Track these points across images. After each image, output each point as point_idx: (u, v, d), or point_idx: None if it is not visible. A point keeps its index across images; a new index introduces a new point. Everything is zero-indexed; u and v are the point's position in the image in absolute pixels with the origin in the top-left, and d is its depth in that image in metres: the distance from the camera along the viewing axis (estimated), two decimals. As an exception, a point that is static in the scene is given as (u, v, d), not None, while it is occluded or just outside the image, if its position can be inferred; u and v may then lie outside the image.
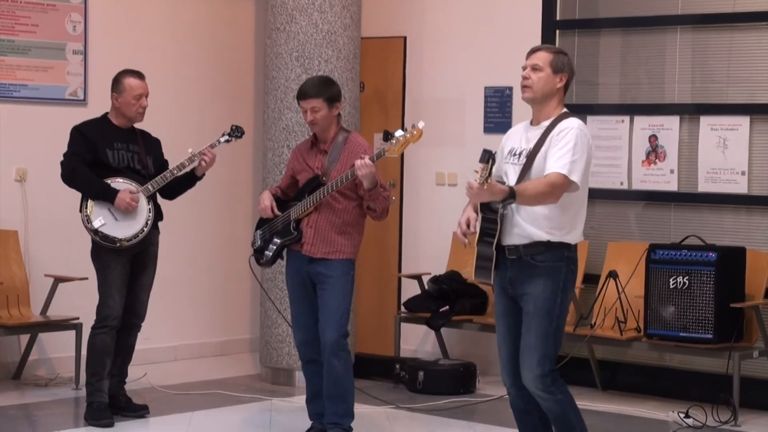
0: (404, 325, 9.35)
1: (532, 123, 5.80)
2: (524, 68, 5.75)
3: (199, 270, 9.98)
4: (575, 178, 5.52)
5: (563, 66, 5.73)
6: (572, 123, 5.63)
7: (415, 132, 6.58)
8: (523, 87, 5.74)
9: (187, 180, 7.76)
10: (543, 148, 5.61)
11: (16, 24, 8.79)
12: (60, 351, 8.90)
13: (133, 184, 7.50)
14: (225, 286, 10.08)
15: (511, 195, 5.41)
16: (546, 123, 5.69)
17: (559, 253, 5.64)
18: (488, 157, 5.34)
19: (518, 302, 5.73)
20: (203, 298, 10.02)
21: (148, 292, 7.75)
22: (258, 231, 7.25)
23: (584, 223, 5.81)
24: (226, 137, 7.81)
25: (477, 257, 5.77)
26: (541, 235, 5.62)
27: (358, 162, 6.72)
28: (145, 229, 7.48)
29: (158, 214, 7.66)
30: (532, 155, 5.63)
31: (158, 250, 7.77)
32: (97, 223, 7.39)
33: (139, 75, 7.59)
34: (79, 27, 9.09)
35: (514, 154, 5.74)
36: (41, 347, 8.96)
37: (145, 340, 9.33)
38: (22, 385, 8.65)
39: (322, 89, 6.98)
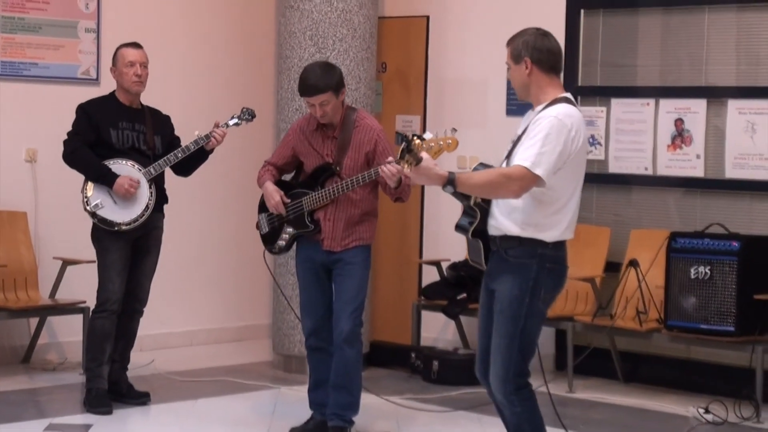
0: (425, 313, 9.13)
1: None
2: None
3: (218, 254, 9.81)
4: (540, 171, 5.09)
5: (520, 51, 5.30)
6: (551, 111, 5.20)
7: (450, 142, 5.48)
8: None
9: (199, 156, 7.53)
10: (525, 135, 5.27)
11: (26, 1, 8.62)
12: (70, 335, 8.76)
13: (136, 165, 7.32)
14: (243, 270, 9.87)
15: (449, 182, 5.06)
16: (539, 108, 5.35)
17: (531, 250, 5.24)
18: (401, 139, 5.00)
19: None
20: (221, 283, 9.85)
21: (151, 277, 7.57)
22: (264, 215, 7.00)
23: (573, 221, 5.37)
24: (236, 120, 7.56)
25: (467, 242, 5.51)
26: (513, 229, 5.25)
27: (383, 172, 6.37)
28: (146, 214, 7.29)
29: (161, 198, 7.46)
30: (516, 141, 5.31)
31: (162, 234, 7.58)
32: (95, 206, 7.22)
33: (134, 45, 7.45)
34: (92, 5, 8.92)
35: (512, 140, 5.47)
36: (52, 331, 8.83)
37: (160, 325, 9.25)
38: (30, 369, 8.52)
39: (328, 80, 6.60)
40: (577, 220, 8.45)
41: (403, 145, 4.98)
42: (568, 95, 5.37)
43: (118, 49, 7.45)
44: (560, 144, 5.14)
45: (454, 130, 5.78)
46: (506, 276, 5.29)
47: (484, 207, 5.36)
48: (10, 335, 8.68)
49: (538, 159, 5.10)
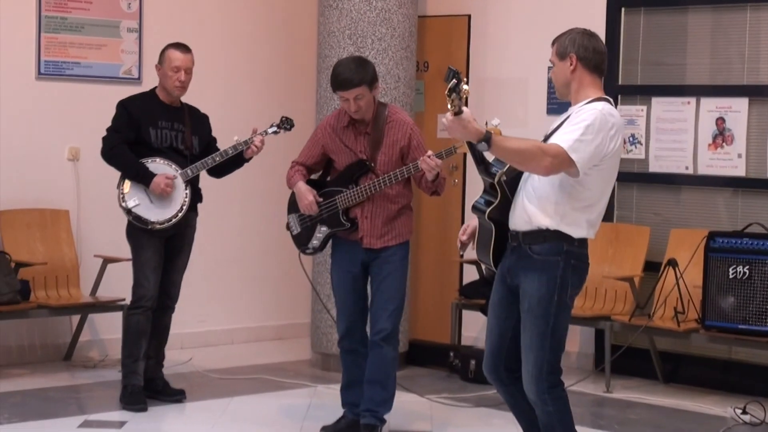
0: (466, 312, 9.11)
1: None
2: None
3: (258, 253, 9.83)
4: (576, 156, 5.05)
5: (566, 47, 5.29)
6: (597, 105, 5.20)
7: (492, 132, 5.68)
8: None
9: (235, 161, 7.54)
10: (567, 122, 5.24)
11: (69, 1, 8.70)
12: (111, 332, 8.80)
13: (173, 166, 7.35)
14: (283, 269, 9.88)
15: (485, 139, 4.99)
16: (579, 104, 5.32)
17: (557, 246, 5.20)
18: (452, 75, 4.85)
19: (515, 294, 5.36)
20: (261, 282, 9.88)
21: (182, 274, 7.60)
22: (294, 215, 6.93)
23: (598, 222, 5.32)
24: (275, 128, 7.54)
25: (478, 230, 5.45)
26: (542, 219, 5.19)
27: (425, 165, 6.40)
28: (180, 214, 7.32)
29: (196, 197, 7.48)
30: (552, 133, 5.27)
31: (195, 232, 7.61)
32: (131, 203, 7.27)
33: (182, 48, 7.41)
34: (134, 4, 8.98)
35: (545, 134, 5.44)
36: (93, 328, 8.89)
37: (201, 323, 9.30)
38: (71, 367, 8.58)
39: (363, 74, 6.54)
40: (615, 220, 8.46)
41: (452, 82, 4.86)
42: (608, 98, 5.34)
43: (166, 48, 7.43)
44: (599, 138, 5.12)
45: (497, 122, 5.83)
46: (532, 274, 5.25)
47: (506, 191, 5.32)
48: (52, 333, 8.76)
49: (576, 145, 5.06)
